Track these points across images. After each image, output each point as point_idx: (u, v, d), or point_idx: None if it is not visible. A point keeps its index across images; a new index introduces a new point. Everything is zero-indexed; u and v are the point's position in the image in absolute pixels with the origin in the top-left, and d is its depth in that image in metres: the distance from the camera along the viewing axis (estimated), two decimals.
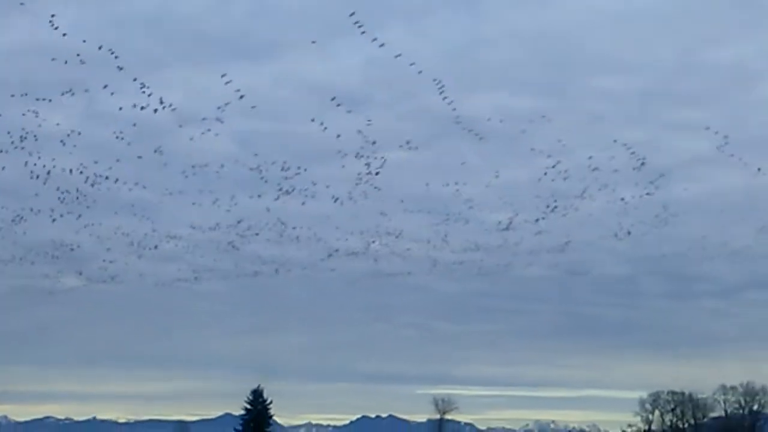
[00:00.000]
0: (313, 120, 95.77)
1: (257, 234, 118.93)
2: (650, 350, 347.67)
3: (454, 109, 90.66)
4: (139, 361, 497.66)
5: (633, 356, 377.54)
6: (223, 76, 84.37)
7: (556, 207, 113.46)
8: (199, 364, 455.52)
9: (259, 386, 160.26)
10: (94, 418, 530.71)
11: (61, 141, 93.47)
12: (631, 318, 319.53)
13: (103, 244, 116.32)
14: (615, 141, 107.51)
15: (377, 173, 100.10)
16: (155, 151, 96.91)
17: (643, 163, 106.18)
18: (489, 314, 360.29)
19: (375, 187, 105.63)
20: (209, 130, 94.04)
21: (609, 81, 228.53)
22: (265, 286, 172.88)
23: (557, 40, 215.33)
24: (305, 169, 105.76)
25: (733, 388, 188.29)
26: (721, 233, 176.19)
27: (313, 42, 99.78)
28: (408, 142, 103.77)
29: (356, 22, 76.85)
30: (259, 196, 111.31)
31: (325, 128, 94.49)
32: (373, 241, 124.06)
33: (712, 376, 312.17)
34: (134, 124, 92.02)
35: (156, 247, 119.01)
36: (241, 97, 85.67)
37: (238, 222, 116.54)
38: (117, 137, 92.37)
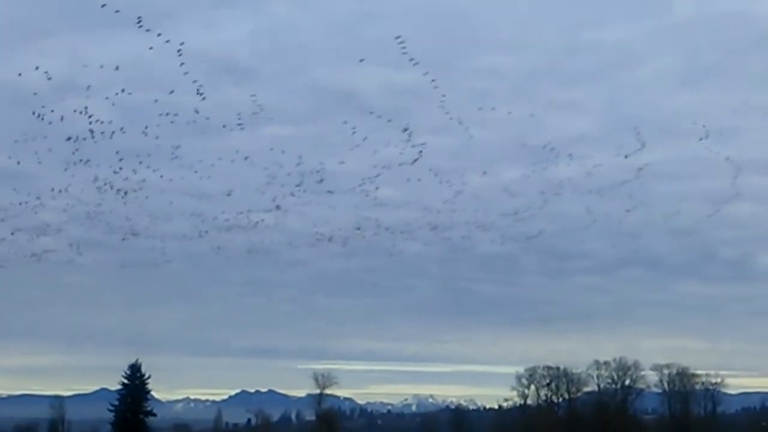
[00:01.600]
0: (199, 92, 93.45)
1: (136, 206, 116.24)
2: (527, 326, 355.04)
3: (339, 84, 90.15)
4: (12, 334, 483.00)
5: (510, 332, 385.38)
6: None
7: (439, 183, 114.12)
8: (75, 339, 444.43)
9: (136, 361, 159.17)
10: None
11: None
12: (509, 294, 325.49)
13: None
14: (500, 118, 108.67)
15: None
16: (33, 119, 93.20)
17: (525, 144, 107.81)
18: (369, 289, 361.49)
19: (256, 162, 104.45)
20: (90, 99, 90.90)
21: (495, 59, 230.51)
22: (142, 260, 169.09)
23: (444, 16, 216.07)
24: (188, 142, 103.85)
25: (606, 363, 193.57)
26: (598, 212, 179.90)
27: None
28: (296, 117, 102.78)
29: None
30: (141, 166, 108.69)
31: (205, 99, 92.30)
32: (254, 217, 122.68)
33: (587, 352, 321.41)
34: (10, 92, 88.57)
35: (30, 218, 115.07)
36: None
37: (117, 194, 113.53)
38: None
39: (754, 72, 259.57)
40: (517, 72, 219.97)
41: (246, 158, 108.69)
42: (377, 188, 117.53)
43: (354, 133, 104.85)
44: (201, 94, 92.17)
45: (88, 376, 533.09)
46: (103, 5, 72.86)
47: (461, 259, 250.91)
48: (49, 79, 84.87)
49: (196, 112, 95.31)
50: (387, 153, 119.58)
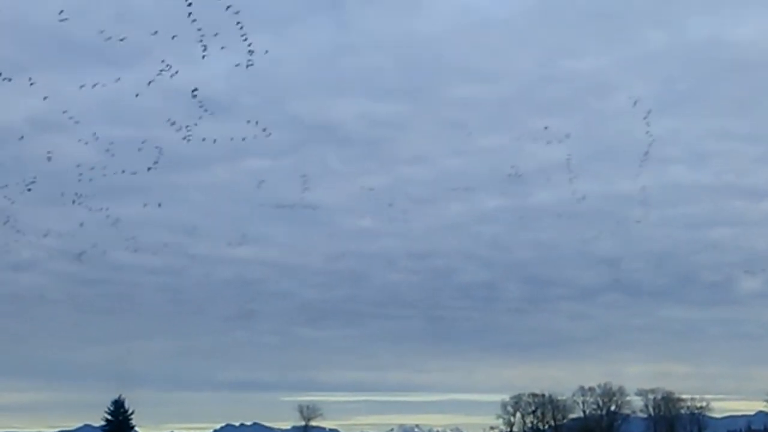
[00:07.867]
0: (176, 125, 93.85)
1: (117, 242, 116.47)
2: (511, 354, 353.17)
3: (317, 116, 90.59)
4: None
5: (495, 360, 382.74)
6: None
7: (417, 213, 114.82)
8: (57, 374, 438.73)
9: (119, 396, 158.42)
10: None
11: None
12: (492, 322, 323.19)
13: None
14: (476, 148, 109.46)
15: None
16: (14, 157, 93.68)
17: (502, 172, 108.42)
18: (351, 319, 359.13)
19: (236, 195, 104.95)
20: (70, 136, 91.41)
21: (469, 89, 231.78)
22: (124, 294, 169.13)
23: (419, 48, 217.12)
24: (169, 177, 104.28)
25: (591, 389, 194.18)
26: (577, 238, 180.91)
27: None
28: (275, 149, 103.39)
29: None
30: (122, 202, 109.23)
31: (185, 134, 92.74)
32: (235, 249, 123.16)
33: (571, 378, 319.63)
34: None
35: (11, 254, 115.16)
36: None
37: (97, 229, 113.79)
38: None
39: (729, 98, 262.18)
40: (492, 102, 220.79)
41: (226, 191, 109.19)
42: (357, 218, 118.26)
43: (333, 163, 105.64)
44: (180, 129, 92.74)
45: (71, 412, 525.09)
46: (80, 43, 73.39)
47: (443, 287, 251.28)
48: (30, 117, 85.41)
49: (175, 147, 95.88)
50: (365, 183, 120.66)
